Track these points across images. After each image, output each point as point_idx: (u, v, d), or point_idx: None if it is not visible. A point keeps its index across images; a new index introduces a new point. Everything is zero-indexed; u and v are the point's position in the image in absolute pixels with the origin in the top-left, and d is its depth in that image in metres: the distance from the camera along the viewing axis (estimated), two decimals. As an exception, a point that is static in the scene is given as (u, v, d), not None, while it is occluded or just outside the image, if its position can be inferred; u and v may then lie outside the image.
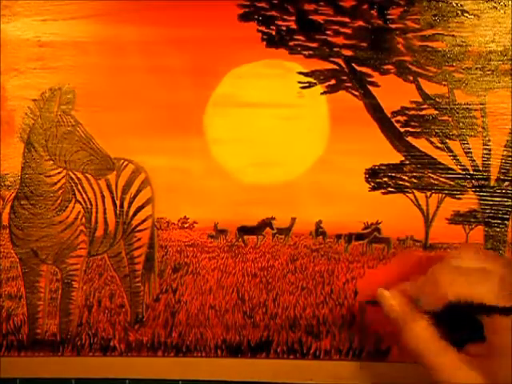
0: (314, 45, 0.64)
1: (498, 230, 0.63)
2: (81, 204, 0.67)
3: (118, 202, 0.67)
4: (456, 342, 0.46)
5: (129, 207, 0.67)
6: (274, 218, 0.66)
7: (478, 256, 0.48)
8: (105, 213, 0.67)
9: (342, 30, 0.63)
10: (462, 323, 0.46)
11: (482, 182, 0.63)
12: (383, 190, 0.65)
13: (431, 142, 0.64)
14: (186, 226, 0.67)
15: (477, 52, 0.62)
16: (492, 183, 0.63)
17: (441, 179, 0.64)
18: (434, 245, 0.64)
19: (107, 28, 0.65)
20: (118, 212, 0.67)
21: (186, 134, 0.65)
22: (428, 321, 0.47)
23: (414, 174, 0.64)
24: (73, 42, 0.65)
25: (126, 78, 0.65)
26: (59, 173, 0.66)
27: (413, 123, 0.64)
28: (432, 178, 0.64)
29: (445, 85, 0.63)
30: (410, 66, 0.63)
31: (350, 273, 0.66)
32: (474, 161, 0.63)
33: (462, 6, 0.62)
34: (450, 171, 0.64)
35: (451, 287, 0.46)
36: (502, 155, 0.63)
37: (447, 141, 0.64)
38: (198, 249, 0.67)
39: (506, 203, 0.63)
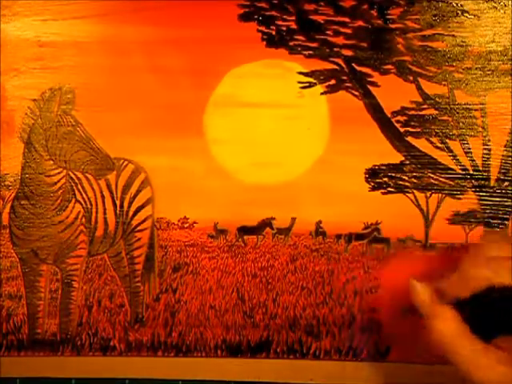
0: (314, 45, 0.64)
1: (498, 230, 0.63)
2: (81, 204, 0.67)
3: (118, 202, 0.67)
4: (487, 335, 0.45)
5: (129, 207, 0.67)
6: (273, 218, 0.66)
7: (504, 243, 0.47)
8: (105, 213, 0.67)
9: (342, 29, 0.63)
10: (493, 316, 0.45)
11: (482, 182, 0.63)
12: (383, 190, 0.65)
13: (431, 142, 0.64)
14: (186, 226, 0.67)
15: (477, 52, 0.62)
16: (492, 183, 0.63)
17: (441, 179, 0.64)
18: (433, 245, 0.64)
19: (107, 28, 0.65)
20: (118, 212, 0.67)
21: (186, 134, 0.65)
22: (454, 314, 0.46)
23: (414, 174, 0.64)
24: (73, 42, 0.65)
25: (126, 78, 0.65)
26: (59, 173, 0.66)
27: (413, 123, 0.64)
28: (432, 178, 0.64)
29: (445, 85, 0.63)
30: (410, 66, 0.63)
31: (349, 273, 0.66)
32: (474, 161, 0.63)
33: (462, 6, 0.62)
34: (449, 171, 0.64)
35: (479, 274, 0.45)
36: (502, 155, 0.63)
37: (447, 141, 0.64)
38: (198, 249, 0.67)
39: (506, 203, 0.63)
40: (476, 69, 0.62)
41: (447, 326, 0.45)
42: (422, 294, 0.48)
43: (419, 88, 0.63)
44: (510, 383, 0.42)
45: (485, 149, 0.63)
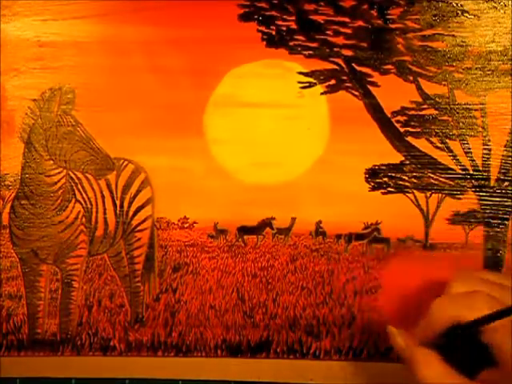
0: (314, 45, 0.64)
1: (498, 230, 0.63)
2: (81, 204, 0.67)
3: (117, 202, 0.67)
4: (471, 372, 0.45)
5: (129, 207, 0.67)
6: (274, 218, 0.66)
7: (472, 280, 0.48)
8: (105, 213, 0.67)
9: (342, 29, 0.63)
10: (473, 353, 0.45)
11: (482, 182, 0.63)
12: (383, 190, 0.65)
13: (431, 142, 0.64)
14: (186, 225, 0.67)
15: (477, 52, 0.62)
16: (492, 183, 0.63)
17: (441, 179, 0.64)
18: (433, 245, 0.64)
19: (107, 28, 0.65)
20: (117, 212, 0.67)
21: (185, 134, 0.65)
22: (436, 356, 0.46)
23: (414, 174, 0.64)
24: (73, 42, 0.66)
25: (126, 78, 0.65)
26: (59, 173, 0.66)
27: (413, 123, 0.64)
28: (432, 178, 0.64)
29: (445, 85, 0.63)
30: (410, 66, 0.63)
31: (349, 273, 0.66)
32: (474, 161, 0.63)
33: (462, 6, 0.62)
34: (449, 171, 0.64)
35: (438, 314, 0.46)
36: (502, 155, 0.63)
37: (447, 141, 0.64)
38: (198, 249, 0.67)
39: (506, 203, 0.63)
40: (476, 69, 0.62)
41: (432, 370, 0.45)
42: (400, 340, 0.49)
43: (419, 88, 0.63)
44: None
45: (485, 149, 0.63)
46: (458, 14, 0.62)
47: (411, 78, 0.63)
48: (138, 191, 0.67)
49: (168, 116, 0.65)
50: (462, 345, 0.45)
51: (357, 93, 0.64)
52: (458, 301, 0.46)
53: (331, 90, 0.65)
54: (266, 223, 0.66)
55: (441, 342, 0.46)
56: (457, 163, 0.64)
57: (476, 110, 0.63)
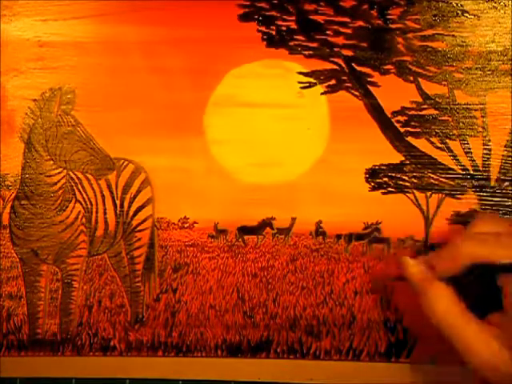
0: (314, 45, 0.64)
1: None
2: (81, 204, 0.67)
3: (118, 202, 0.67)
4: (481, 312, 0.45)
5: (129, 207, 0.67)
6: (273, 218, 0.66)
7: (494, 222, 0.48)
8: (105, 213, 0.67)
9: (342, 29, 0.64)
10: (482, 294, 0.45)
11: (482, 182, 0.63)
12: (383, 190, 0.65)
13: (431, 142, 0.64)
14: (186, 226, 0.67)
15: (477, 52, 0.62)
16: (492, 183, 0.63)
17: (441, 179, 0.64)
18: (434, 245, 0.64)
19: (107, 28, 0.65)
20: (118, 212, 0.67)
21: (186, 134, 0.65)
22: (449, 291, 0.45)
23: (414, 174, 0.64)
24: (73, 42, 0.66)
25: (126, 78, 0.65)
26: (59, 173, 0.66)
27: (413, 123, 0.64)
28: (432, 178, 0.64)
29: (445, 85, 0.63)
30: (410, 66, 0.63)
31: (350, 273, 0.66)
32: (474, 161, 0.63)
33: (462, 6, 0.62)
34: (450, 171, 0.64)
35: (467, 249, 0.45)
36: (502, 155, 0.63)
37: (447, 141, 0.64)
38: (198, 249, 0.67)
39: (506, 203, 0.63)
40: (476, 69, 0.62)
41: (441, 303, 0.45)
42: (414, 269, 0.48)
43: (419, 88, 0.63)
44: (502, 360, 0.42)
45: (485, 149, 0.63)
46: (458, 14, 0.62)
47: (411, 78, 0.63)
48: (138, 191, 0.67)
49: (168, 116, 0.65)
50: (481, 284, 0.44)
51: (357, 93, 0.64)
52: (489, 240, 0.45)
53: (331, 89, 0.65)
54: (266, 223, 0.66)
55: (461, 278, 0.45)
56: (457, 163, 0.64)
57: (476, 110, 0.63)
